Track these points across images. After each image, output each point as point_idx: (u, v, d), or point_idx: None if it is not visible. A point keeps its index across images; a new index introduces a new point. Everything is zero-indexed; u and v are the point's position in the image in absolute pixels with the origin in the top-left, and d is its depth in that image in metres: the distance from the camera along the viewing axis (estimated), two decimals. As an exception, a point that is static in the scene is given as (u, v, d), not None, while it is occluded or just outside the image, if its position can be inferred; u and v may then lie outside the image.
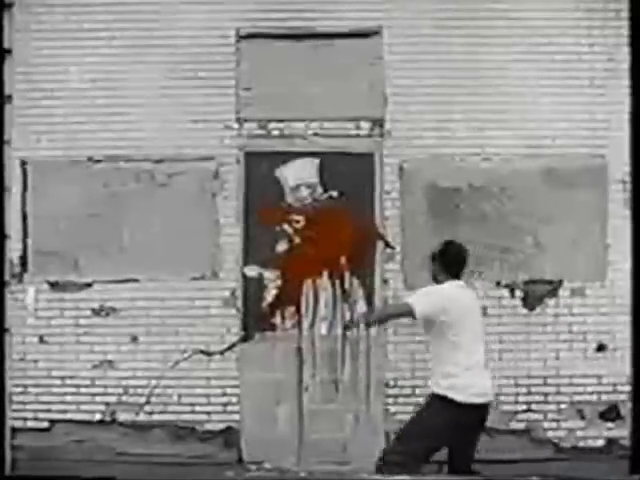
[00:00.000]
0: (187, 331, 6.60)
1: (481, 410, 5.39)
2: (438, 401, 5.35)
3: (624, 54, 6.62)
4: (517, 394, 6.57)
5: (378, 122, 6.64)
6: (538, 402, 6.57)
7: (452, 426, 5.30)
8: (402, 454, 5.34)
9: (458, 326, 5.32)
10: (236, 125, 6.65)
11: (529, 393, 6.58)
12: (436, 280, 5.56)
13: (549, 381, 6.57)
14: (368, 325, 6.27)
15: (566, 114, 6.65)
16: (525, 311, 6.61)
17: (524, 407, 6.57)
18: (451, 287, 5.47)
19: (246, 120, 6.65)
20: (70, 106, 6.63)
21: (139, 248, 6.62)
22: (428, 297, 5.42)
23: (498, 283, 6.62)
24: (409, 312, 5.39)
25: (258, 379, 6.58)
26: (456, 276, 5.52)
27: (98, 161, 6.63)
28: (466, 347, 5.32)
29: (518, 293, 6.62)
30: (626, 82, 6.60)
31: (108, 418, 6.59)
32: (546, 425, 6.56)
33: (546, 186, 6.63)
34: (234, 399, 6.60)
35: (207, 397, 6.61)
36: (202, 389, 6.60)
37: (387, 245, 6.58)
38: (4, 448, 6.53)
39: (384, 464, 5.39)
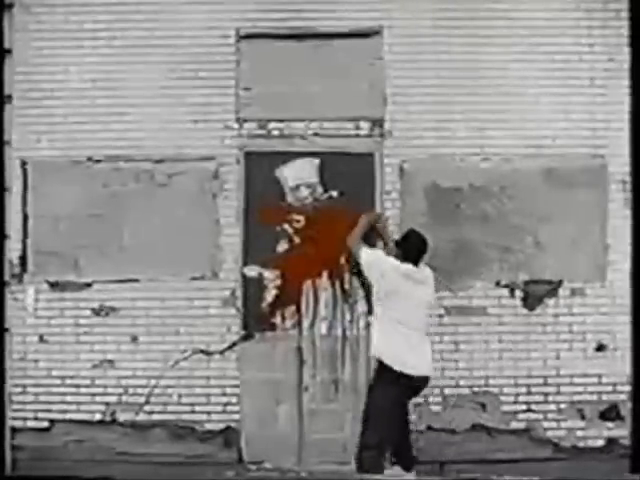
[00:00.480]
0: (187, 331, 6.58)
1: (416, 382, 5.76)
2: (385, 373, 5.70)
3: (624, 54, 6.61)
4: (517, 394, 6.55)
5: (378, 122, 6.63)
6: (538, 402, 6.56)
7: (400, 396, 5.75)
8: (377, 447, 5.63)
9: (395, 299, 5.68)
10: (236, 125, 6.64)
11: (529, 393, 6.56)
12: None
13: (549, 381, 6.56)
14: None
15: (566, 114, 6.64)
16: (525, 311, 6.60)
17: (524, 407, 6.55)
18: (402, 264, 5.80)
19: (246, 120, 6.65)
20: (70, 106, 6.62)
21: (139, 248, 6.61)
22: (378, 254, 5.98)
23: (498, 283, 6.62)
24: (358, 254, 5.95)
25: (258, 379, 6.55)
26: (414, 262, 5.87)
27: (98, 161, 6.61)
28: (403, 322, 5.70)
29: (518, 293, 6.61)
30: (626, 82, 6.60)
31: (108, 418, 6.57)
32: (546, 425, 6.55)
33: (546, 186, 6.62)
34: (234, 399, 6.57)
35: (207, 397, 6.58)
36: (202, 389, 6.57)
37: (387, 245, 6.47)
38: (4, 448, 6.51)
39: (363, 463, 5.66)
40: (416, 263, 5.84)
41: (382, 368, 5.75)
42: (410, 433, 6.07)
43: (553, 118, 6.63)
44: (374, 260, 5.89)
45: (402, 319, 5.72)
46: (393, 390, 5.64)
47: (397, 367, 5.65)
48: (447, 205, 6.63)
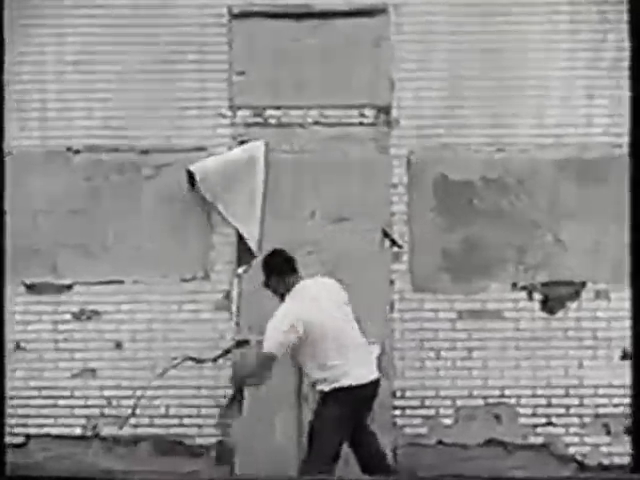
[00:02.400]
0: (176, 337, 6.34)
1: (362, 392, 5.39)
2: (326, 398, 5.40)
3: (646, 37, 6.28)
4: (536, 406, 6.26)
5: (384, 109, 6.32)
6: (559, 415, 6.25)
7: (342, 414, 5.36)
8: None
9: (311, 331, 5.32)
10: (229, 113, 6.36)
11: (549, 405, 6.26)
12: (278, 293, 5.52)
13: (571, 392, 6.25)
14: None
15: (588, 100, 6.31)
16: (544, 315, 6.28)
17: (544, 420, 6.26)
18: (300, 302, 5.38)
19: (240, 107, 6.37)
20: (47, 91, 6.34)
21: (124, 247, 6.38)
22: (278, 333, 5.38)
23: (515, 285, 6.30)
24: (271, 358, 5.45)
25: (253, 388, 6.12)
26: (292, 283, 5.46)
27: (78, 152, 6.35)
28: (329, 340, 5.34)
29: (537, 296, 6.29)
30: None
31: (89, 432, 6.32)
32: (568, 440, 6.25)
33: (567, 179, 6.31)
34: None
35: (198, 408, 6.30)
36: (192, 400, 6.30)
37: (393, 243, 6.30)
38: (4, 448, 6.14)
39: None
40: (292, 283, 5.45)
41: (324, 395, 5.40)
42: (377, 443, 5.62)
43: (574, 105, 6.31)
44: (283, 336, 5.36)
45: (324, 341, 5.31)
46: (335, 410, 5.31)
47: (336, 385, 5.31)
48: (458, 200, 6.34)
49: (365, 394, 5.38)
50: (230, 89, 6.33)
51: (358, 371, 5.34)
